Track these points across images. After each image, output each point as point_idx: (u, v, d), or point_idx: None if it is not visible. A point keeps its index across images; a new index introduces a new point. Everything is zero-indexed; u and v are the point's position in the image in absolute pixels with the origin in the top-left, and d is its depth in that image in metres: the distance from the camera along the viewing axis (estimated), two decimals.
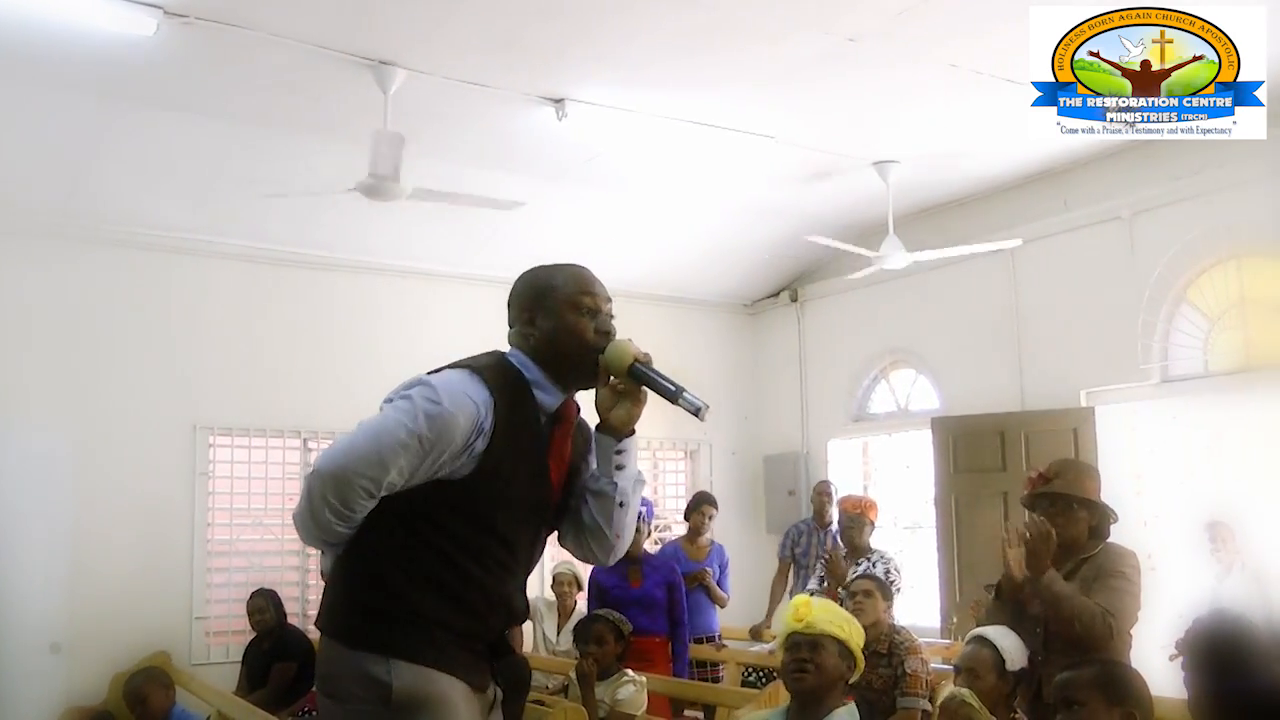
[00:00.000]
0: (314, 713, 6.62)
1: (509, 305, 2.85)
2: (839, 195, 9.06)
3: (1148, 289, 7.81)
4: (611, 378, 2.74)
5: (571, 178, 8.40)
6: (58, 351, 7.69)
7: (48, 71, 6.47)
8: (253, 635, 7.63)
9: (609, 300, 2.83)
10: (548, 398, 2.76)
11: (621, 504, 2.83)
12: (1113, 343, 8.02)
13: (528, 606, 2.93)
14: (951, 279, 9.08)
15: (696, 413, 2.68)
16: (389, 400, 2.67)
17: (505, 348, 2.83)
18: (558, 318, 2.75)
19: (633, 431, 2.82)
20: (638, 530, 6.80)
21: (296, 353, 8.80)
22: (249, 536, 8.71)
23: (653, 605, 6.74)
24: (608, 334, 2.77)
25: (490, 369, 2.70)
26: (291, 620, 7.94)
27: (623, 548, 2.91)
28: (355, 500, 2.58)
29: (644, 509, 7.12)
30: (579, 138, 7.63)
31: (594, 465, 2.87)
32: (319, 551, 2.83)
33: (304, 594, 8.80)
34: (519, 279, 2.88)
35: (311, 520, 2.64)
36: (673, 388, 2.72)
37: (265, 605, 7.57)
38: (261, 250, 8.72)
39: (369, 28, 6.22)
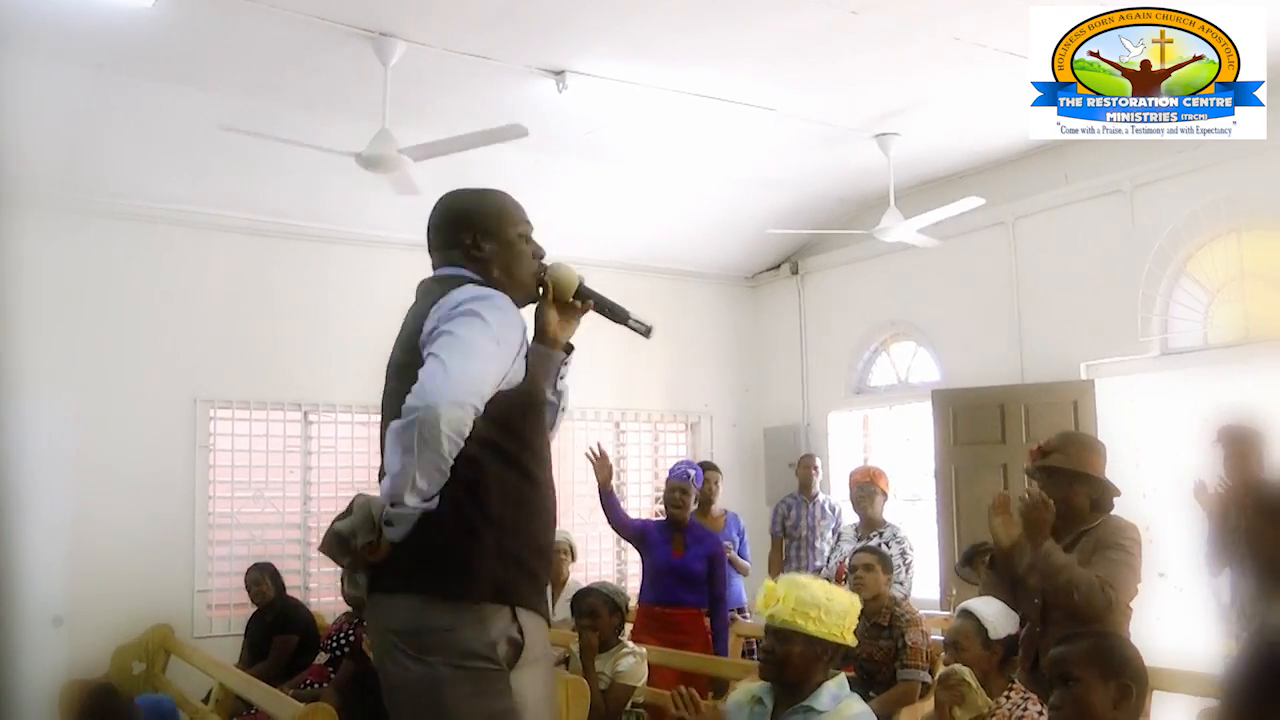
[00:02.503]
0: (315, 684, 6.63)
1: (439, 228, 3.05)
2: (840, 168, 9.05)
3: (1148, 262, 7.81)
4: (559, 297, 2.95)
5: (572, 150, 8.38)
6: (57, 325, 7.67)
7: (46, 43, 6.45)
8: (254, 608, 7.65)
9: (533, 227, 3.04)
10: None
11: (563, 409, 3.02)
12: (1113, 315, 8.02)
13: None
14: (952, 251, 9.06)
15: (646, 333, 2.92)
16: (447, 320, 2.69)
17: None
18: (504, 242, 2.96)
19: (572, 347, 3.03)
20: (686, 493, 6.71)
21: (297, 325, 8.80)
22: (250, 510, 8.73)
23: (690, 578, 6.58)
24: (540, 259, 3.00)
25: (475, 281, 2.87)
26: (293, 593, 7.95)
27: None
28: (466, 426, 2.58)
29: (694, 471, 7.04)
30: (580, 110, 7.62)
31: None
32: (382, 525, 2.69)
33: (305, 567, 8.83)
34: (447, 203, 3.08)
35: (423, 472, 2.57)
36: (622, 309, 2.95)
37: (262, 578, 7.58)
38: (261, 222, 8.70)
39: None
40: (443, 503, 2.63)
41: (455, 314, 2.67)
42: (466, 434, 2.58)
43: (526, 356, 2.78)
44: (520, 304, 2.91)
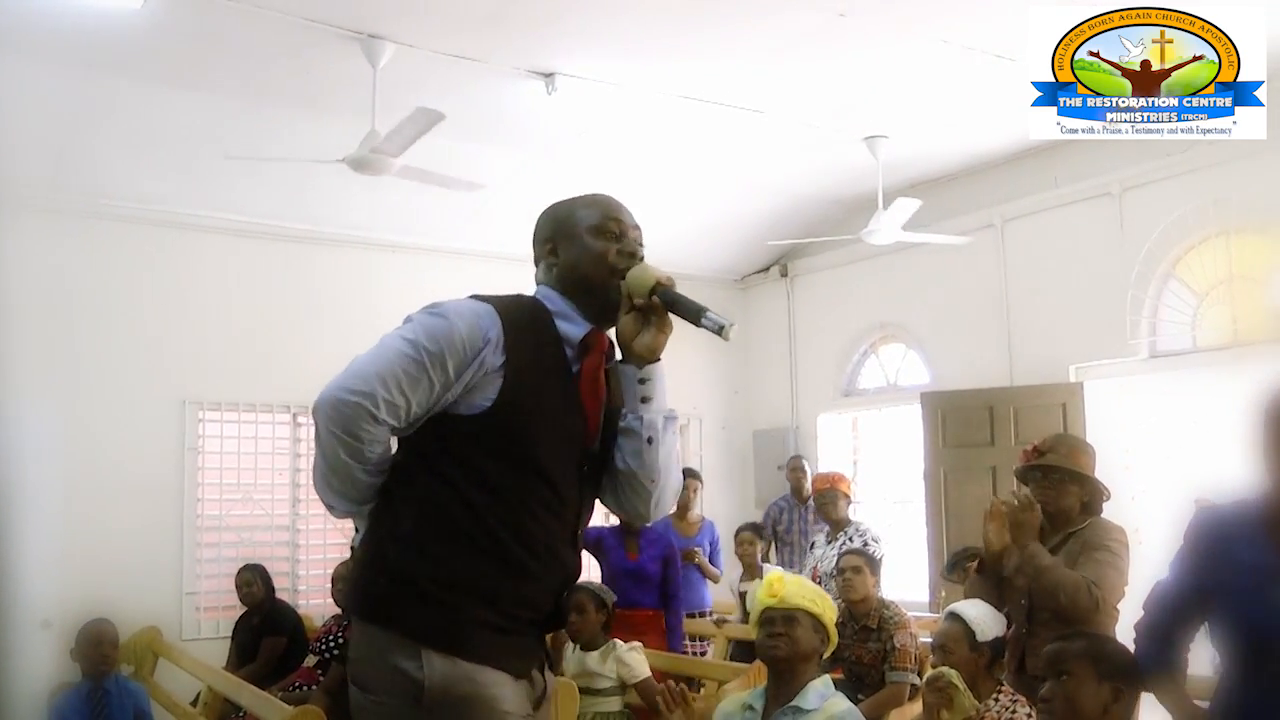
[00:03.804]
0: (304, 686, 6.63)
1: (533, 244, 2.73)
2: (829, 170, 9.06)
3: (1137, 264, 7.83)
4: (633, 299, 2.56)
5: (561, 152, 8.38)
6: (45, 327, 7.65)
7: (35, 44, 6.43)
8: (243, 610, 7.63)
9: (636, 227, 2.69)
10: (572, 327, 2.58)
11: (650, 439, 2.59)
12: (1101, 318, 8.04)
13: (579, 563, 2.70)
14: (941, 254, 9.07)
15: (720, 331, 2.50)
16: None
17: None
18: (580, 244, 2.62)
19: (658, 359, 2.60)
20: None
21: (286, 327, 8.77)
22: (239, 512, 8.71)
23: (645, 579, 6.76)
24: (632, 256, 2.63)
25: (501, 298, 2.55)
26: (281, 595, 7.92)
27: (666, 497, 2.68)
28: (361, 427, 2.34)
29: None
30: (569, 112, 7.61)
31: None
32: (353, 529, 2.62)
33: (294, 569, 8.82)
34: (541, 214, 2.76)
35: (328, 468, 2.41)
36: (695, 307, 2.53)
37: (253, 579, 7.55)
38: (251, 224, 8.69)
39: (358, 1, 6.19)
40: (381, 519, 2.49)
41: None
42: (364, 439, 2.36)
43: (507, 378, 2.45)
44: (601, 313, 2.60)
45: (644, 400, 2.60)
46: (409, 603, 2.40)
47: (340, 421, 2.35)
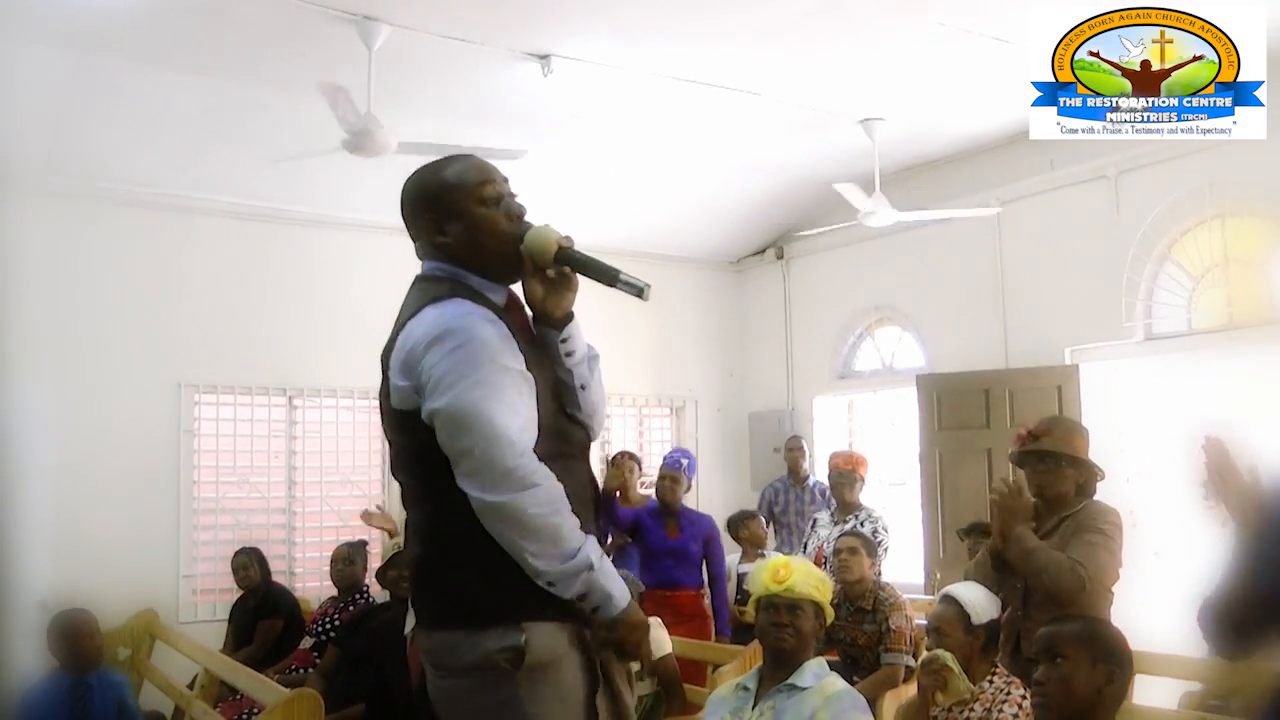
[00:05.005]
0: (300, 670, 6.64)
1: (406, 218, 2.75)
2: (825, 152, 9.03)
3: (1132, 247, 7.83)
4: (539, 267, 2.63)
5: (557, 135, 8.36)
6: (41, 309, 7.64)
7: (30, 26, 6.40)
8: (239, 593, 7.64)
9: (507, 180, 2.72)
10: (493, 295, 2.64)
11: (583, 387, 2.73)
12: (1097, 301, 8.04)
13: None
14: (937, 237, 9.08)
15: (639, 293, 2.59)
16: (430, 374, 2.45)
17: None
18: (466, 217, 2.64)
19: (572, 315, 2.70)
20: (676, 482, 6.81)
21: (282, 310, 8.78)
22: (235, 495, 8.72)
23: (686, 558, 6.81)
24: (520, 218, 2.67)
25: (454, 292, 2.59)
26: (277, 578, 7.94)
27: (598, 424, 2.83)
28: (525, 449, 2.42)
29: (687, 461, 7.13)
30: (564, 94, 7.59)
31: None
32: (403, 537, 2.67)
33: (290, 552, 8.83)
34: (406, 187, 2.76)
35: (547, 520, 2.42)
36: (609, 269, 2.61)
37: (249, 563, 7.55)
38: (247, 207, 8.67)
39: None
40: (441, 533, 2.55)
41: (433, 363, 2.46)
42: (537, 478, 2.43)
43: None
44: (508, 279, 2.67)
45: (568, 355, 2.70)
46: (502, 594, 2.47)
47: (517, 467, 2.40)
